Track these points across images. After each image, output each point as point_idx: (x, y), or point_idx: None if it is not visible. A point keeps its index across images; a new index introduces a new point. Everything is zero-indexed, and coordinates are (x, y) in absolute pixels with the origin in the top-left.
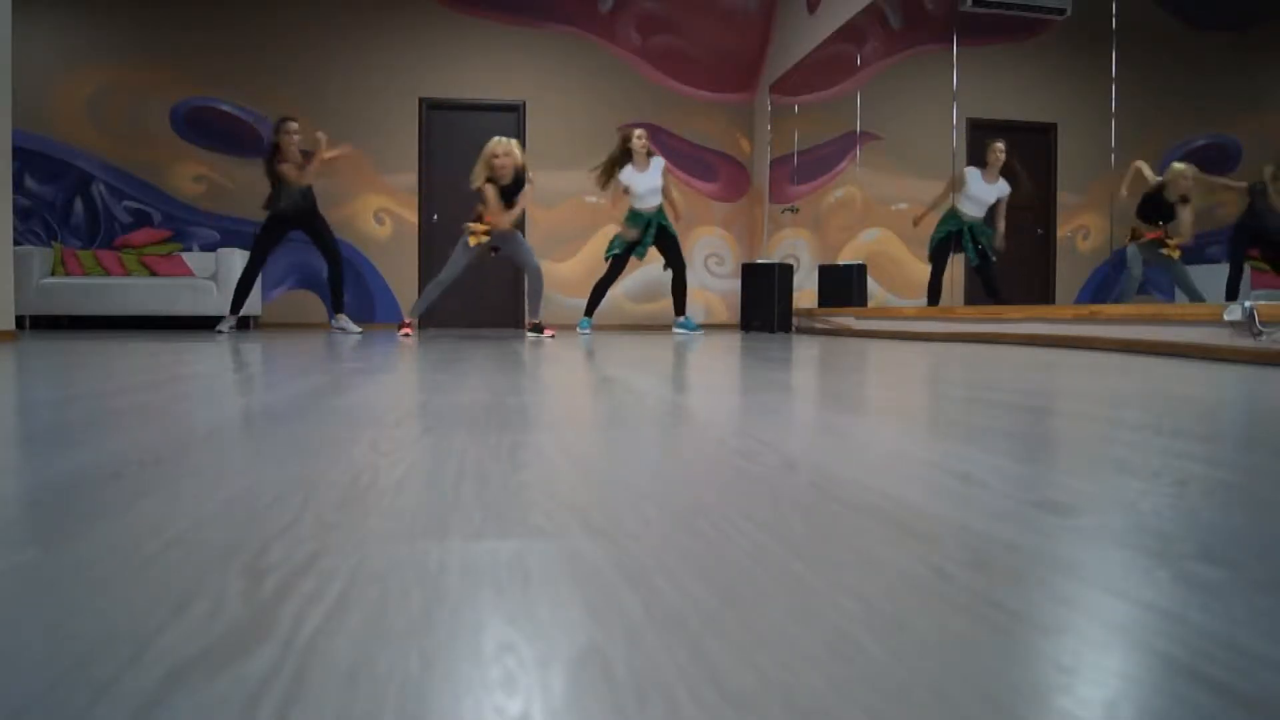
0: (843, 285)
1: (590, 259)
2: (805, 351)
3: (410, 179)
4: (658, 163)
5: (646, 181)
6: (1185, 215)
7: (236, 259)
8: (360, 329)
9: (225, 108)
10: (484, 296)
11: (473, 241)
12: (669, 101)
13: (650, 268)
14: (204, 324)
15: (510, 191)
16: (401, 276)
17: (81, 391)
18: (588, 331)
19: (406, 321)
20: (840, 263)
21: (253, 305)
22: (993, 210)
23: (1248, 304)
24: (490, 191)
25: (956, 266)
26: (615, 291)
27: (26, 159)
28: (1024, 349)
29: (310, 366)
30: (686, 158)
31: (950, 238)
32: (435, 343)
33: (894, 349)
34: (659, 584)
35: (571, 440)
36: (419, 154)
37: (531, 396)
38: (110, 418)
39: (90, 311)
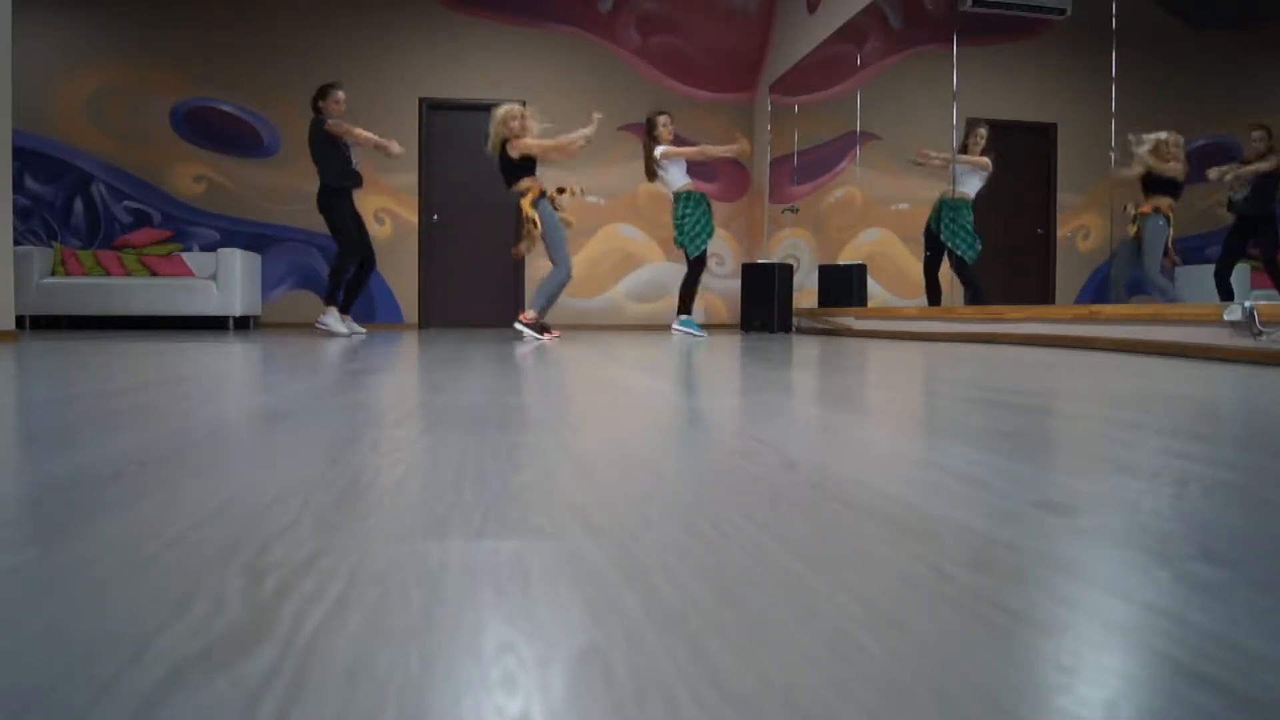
0: (843, 285)
1: (591, 259)
2: (805, 352)
3: (410, 179)
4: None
5: (683, 165)
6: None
7: (236, 259)
8: (350, 330)
9: (225, 108)
10: (484, 296)
11: (566, 200)
12: (669, 101)
13: (651, 268)
14: (204, 324)
15: (529, 165)
16: (401, 276)
17: (81, 391)
18: (699, 333)
19: (532, 318)
20: (840, 263)
21: (252, 305)
22: (977, 193)
23: (1248, 304)
24: (542, 143)
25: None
26: (615, 291)
27: (26, 159)
28: (1024, 349)
29: (310, 366)
30: None
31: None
32: (435, 343)
33: (894, 349)
34: (659, 584)
35: (571, 440)
36: (419, 154)
37: (531, 396)
38: (110, 418)
39: (90, 311)
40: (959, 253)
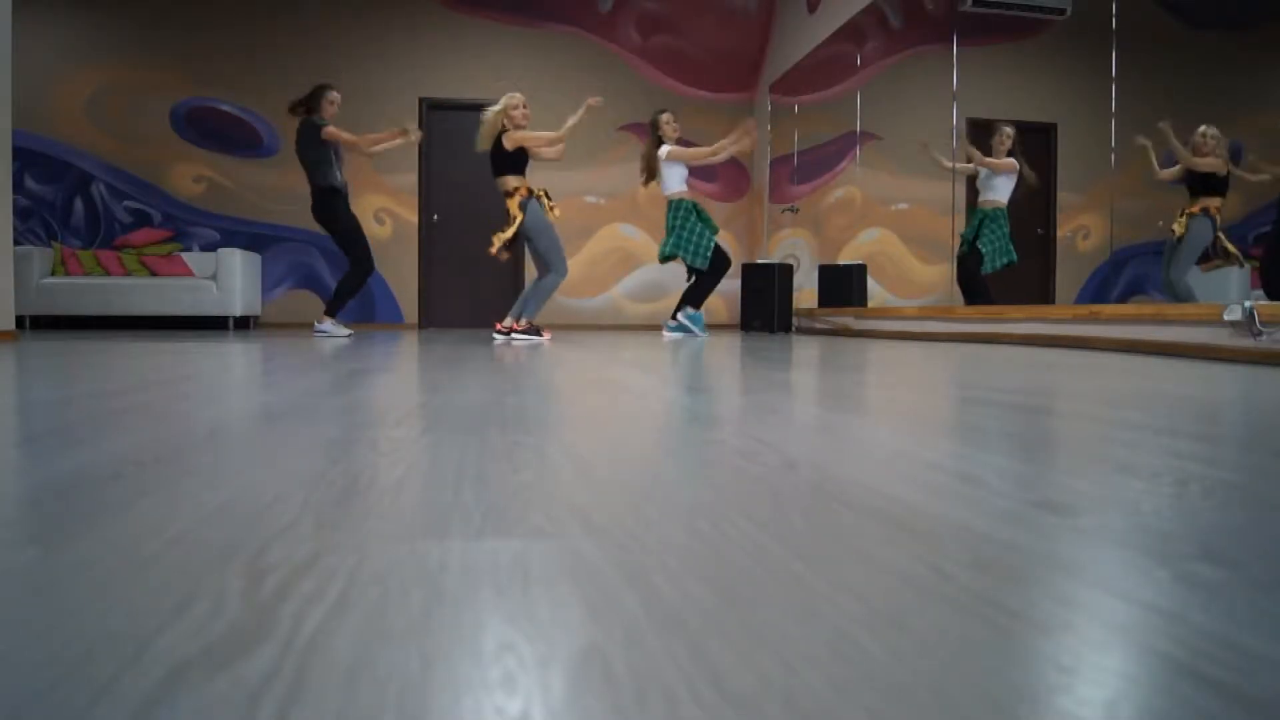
0: (843, 285)
1: (590, 259)
2: (805, 352)
3: (410, 179)
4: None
5: (683, 170)
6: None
7: (236, 259)
8: (349, 332)
9: (225, 108)
10: (484, 296)
11: (557, 213)
12: (669, 101)
13: (651, 268)
14: (204, 324)
15: (521, 162)
16: (401, 276)
17: (81, 391)
18: (702, 333)
19: (524, 325)
20: (840, 263)
21: (252, 305)
22: (1012, 194)
23: (1248, 304)
24: (539, 136)
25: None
26: (615, 291)
27: (26, 159)
28: (1024, 349)
29: (310, 366)
30: None
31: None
32: (435, 343)
33: (894, 349)
34: (659, 584)
35: (571, 440)
36: (419, 154)
37: (531, 397)
38: (110, 418)
39: (90, 311)
40: (985, 257)
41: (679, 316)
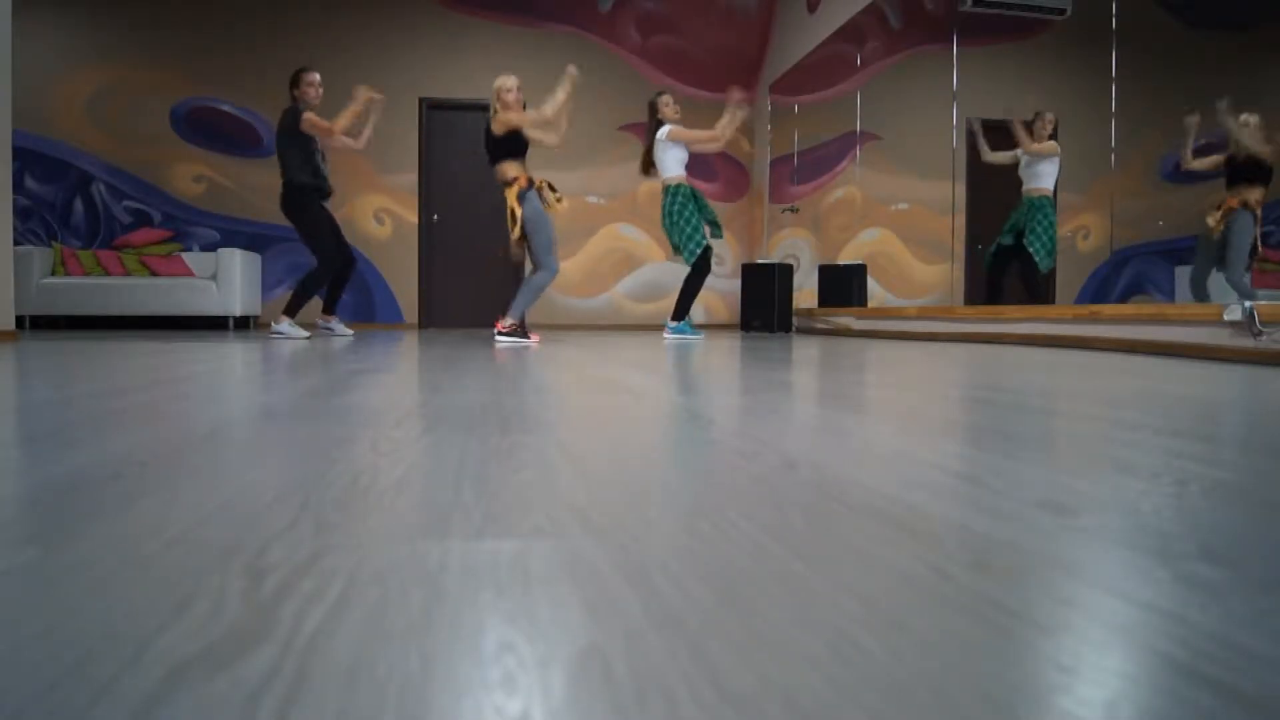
0: (843, 285)
1: (590, 259)
2: (805, 352)
3: (410, 179)
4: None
5: (683, 154)
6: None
7: (236, 259)
8: (307, 334)
9: (225, 108)
10: (484, 296)
11: (564, 204)
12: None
13: (651, 268)
14: (204, 324)
15: (519, 147)
16: (401, 276)
17: (81, 391)
18: (694, 335)
19: (511, 325)
20: (840, 263)
21: (252, 305)
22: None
23: (1248, 304)
24: (526, 116)
25: (956, 265)
26: (615, 291)
27: (26, 159)
28: (1024, 349)
29: (310, 366)
30: None
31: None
32: (435, 343)
33: (894, 349)
34: (659, 584)
35: (571, 440)
36: (419, 154)
37: (531, 397)
38: (110, 418)
39: (90, 311)
40: (1036, 258)
41: (666, 333)
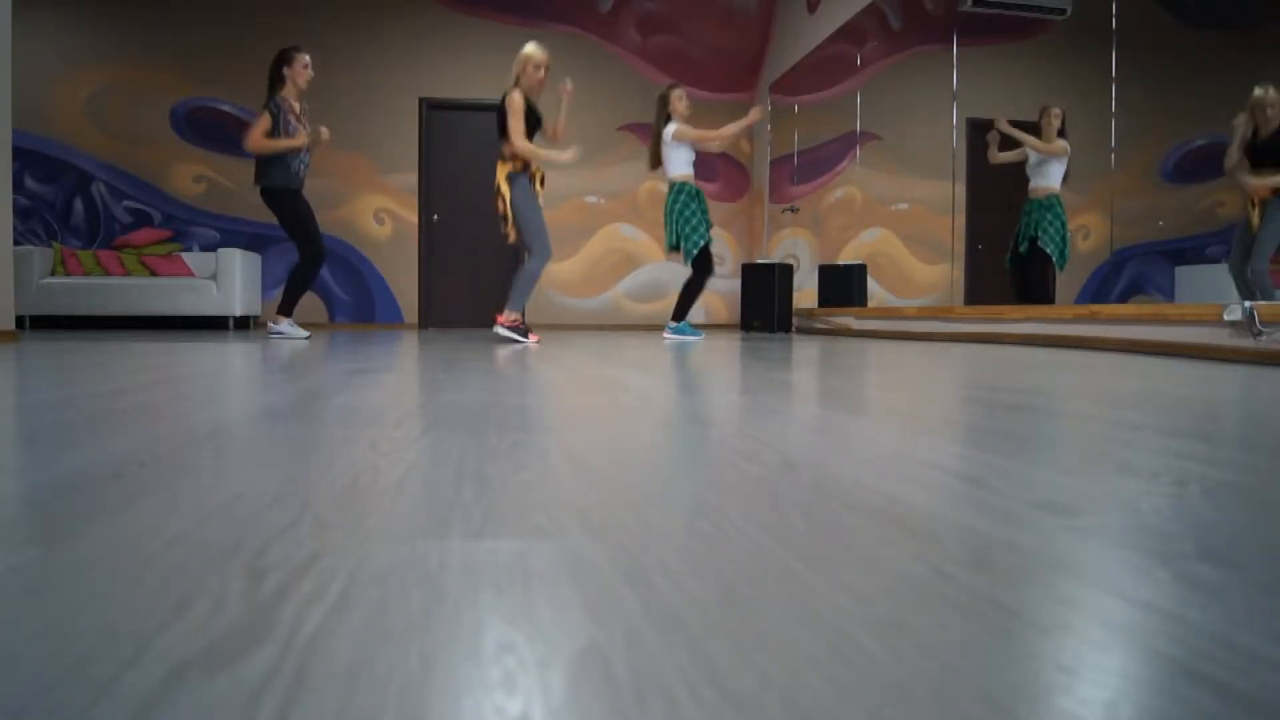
0: (843, 285)
1: (591, 259)
2: (805, 352)
3: (410, 179)
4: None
5: (690, 153)
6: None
7: (236, 259)
8: (308, 333)
9: (225, 108)
10: (484, 296)
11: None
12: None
13: (651, 268)
14: (204, 324)
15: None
16: (401, 276)
17: (81, 391)
18: (694, 335)
19: (514, 320)
20: (840, 263)
21: (252, 305)
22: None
23: (1248, 304)
24: (518, 100)
25: (956, 265)
26: (615, 291)
27: (26, 159)
28: (1024, 349)
29: (310, 366)
30: None
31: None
32: (435, 343)
33: (894, 349)
34: (659, 584)
35: (571, 440)
36: (419, 154)
37: (531, 396)
38: (110, 418)
39: (90, 311)
40: (1054, 258)
41: (666, 333)
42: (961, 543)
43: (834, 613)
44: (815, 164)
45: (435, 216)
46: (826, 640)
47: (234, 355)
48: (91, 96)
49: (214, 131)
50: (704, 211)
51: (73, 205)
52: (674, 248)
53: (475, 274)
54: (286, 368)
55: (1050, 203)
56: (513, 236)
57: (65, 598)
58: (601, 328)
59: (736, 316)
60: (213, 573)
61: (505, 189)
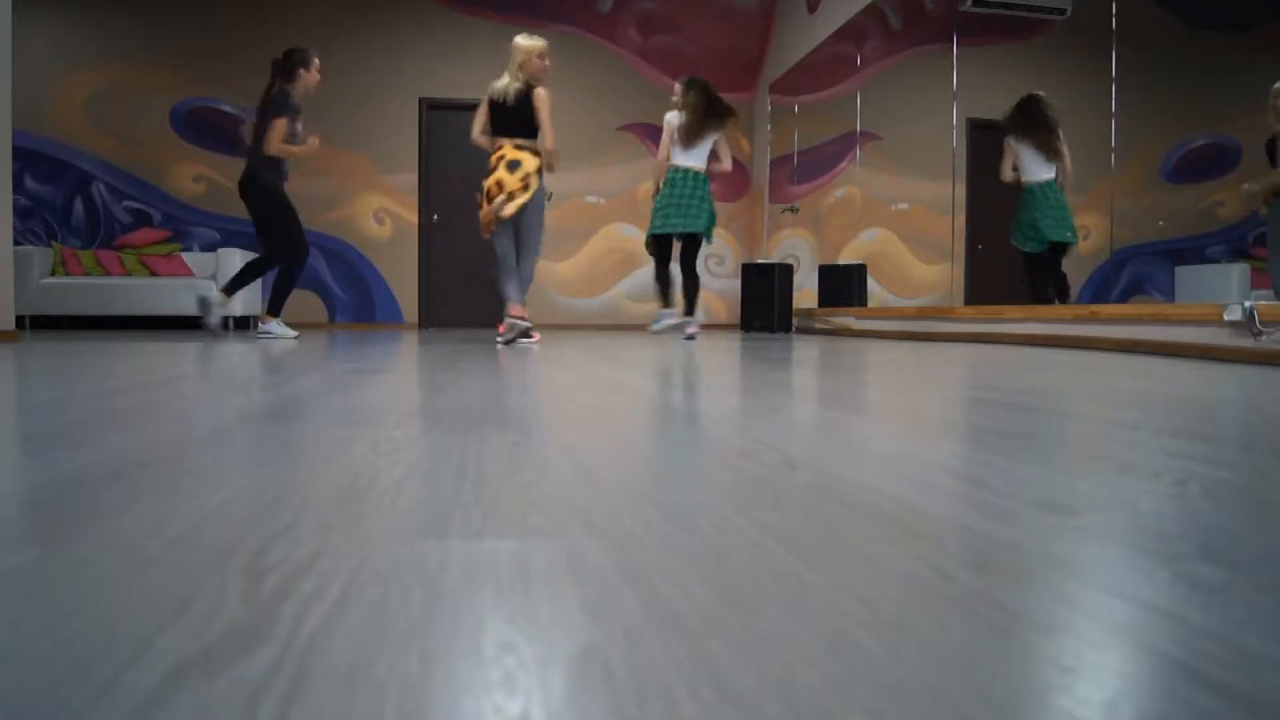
0: (843, 285)
1: (590, 259)
2: (805, 352)
3: (410, 179)
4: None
5: (691, 157)
6: None
7: (236, 259)
8: (297, 333)
9: (225, 108)
10: (484, 296)
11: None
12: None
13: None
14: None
15: (522, 118)
16: (401, 276)
17: (81, 391)
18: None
19: (524, 311)
20: (840, 263)
21: (252, 305)
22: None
23: (1248, 304)
24: (548, 96)
25: (956, 265)
26: (615, 292)
27: (26, 159)
28: (1024, 349)
29: (310, 366)
30: None
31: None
32: (435, 342)
33: (894, 349)
34: (659, 584)
35: (571, 440)
36: (419, 154)
37: (531, 396)
38: (110, 418)
39: (90, 311)
40: (1066, 241)
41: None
42: (961, 543)
43: (834, 613)
44: (815, 164)
45: (435, 216)
46: (826, 640)
47: (234, 355)
48: (91, 96)
49: (214, 131)
50: (669, 198)
51: (73, 205)
52: (707, 231)
53: (475, 274)
54: (286, 368)
55: (1047, 188)
56: (508, 212)
57: (65, 598)
58: (601, 328)
59: (736, 316)
60: (213, 573)
61: (536, 181)
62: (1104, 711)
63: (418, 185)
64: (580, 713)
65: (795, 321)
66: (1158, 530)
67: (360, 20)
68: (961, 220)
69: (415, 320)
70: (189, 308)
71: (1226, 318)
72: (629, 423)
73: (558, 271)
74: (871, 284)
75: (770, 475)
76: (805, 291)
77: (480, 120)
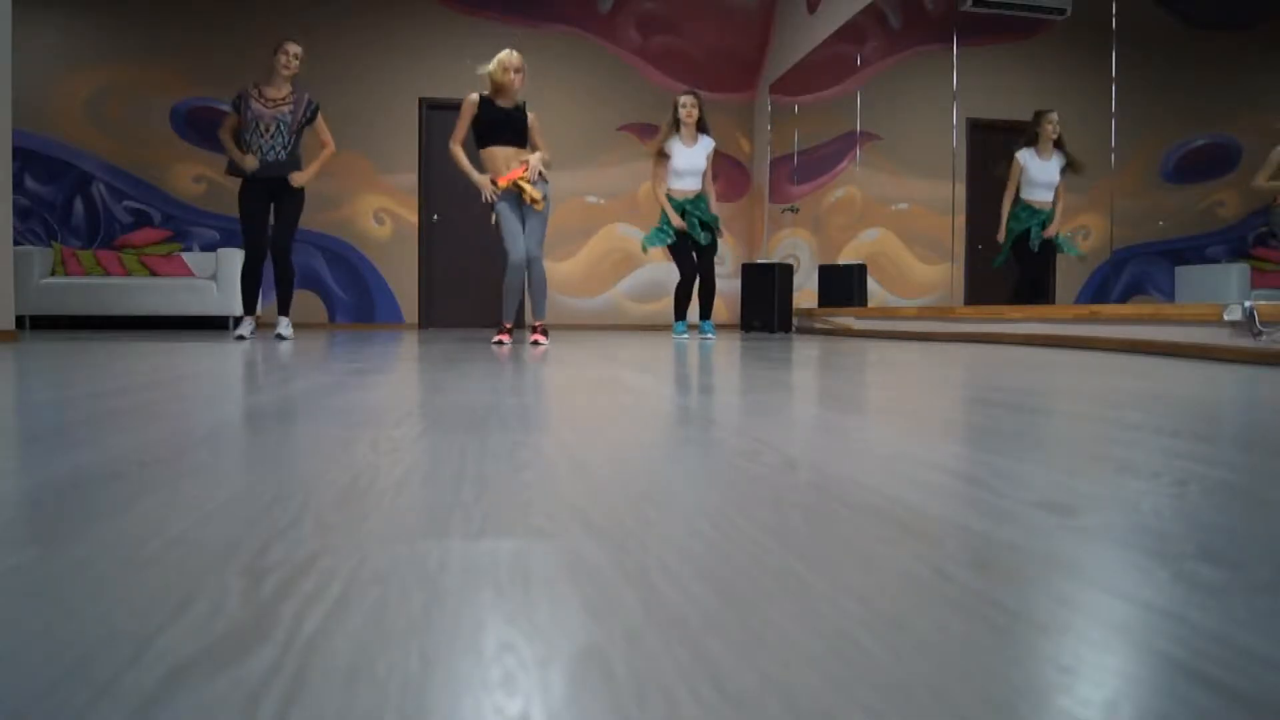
0: (843, 285)
1: (591, 259)
2: (805, 352)
3: (410, 179)
4: (706, 143)
5: (688, 159)
6: None
7: (236, 259)
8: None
9: (225, 108)
10: (485, 296)
11: (501, 185)
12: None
13: (651, 268)
14: (204, 324)
15: (510, 125)
16: (401, 277)
17: (81, 391)
18: (685, 335)
19: (507, 327)
20: (840, 263)
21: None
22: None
23: (1248, 304)
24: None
25: (956, 265)
26: (615, 292)
27: (26, 159)
28: (1024, 349)
29: (310, 366)
30: None
31: (1026, 235)
32: (435, 342)
33: (894, 349)
34: (659, 584)
35: (571, 440)
36: (419, 154)
37: (531, 397)
38: (110, 418)
39: (90, 311)
40: (1054, 241)
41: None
42: (961, 543)
43: (834, 613)
44: (815, 164)
45: (435, 216)
46: (826, 640)
47: (234, 355)
48: (91, 96)
49: (214, 131)
50: (665, 220)
51: (73, 205)
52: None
53: (475, 274)
54: (286, 368)
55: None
56: (530, 192)
57: (65, 598)
58: (602, 328)
59: (736, 316)
60: (213, 573)
61: (543, 200)
62: (1104, 711)
63: (418, 185)
64: (580, 713)
65: (795, 321)
66: (1158, 530)
67: (360, 20)
68: (961, 220)
69: (415, 320)
70: (189, 308)
71: (1226, 318)
72: (629, 422)
73: (558, 271)
74: (871, 284)
75: (770, 475)
76: (805, 291)
77: (462, 131)
